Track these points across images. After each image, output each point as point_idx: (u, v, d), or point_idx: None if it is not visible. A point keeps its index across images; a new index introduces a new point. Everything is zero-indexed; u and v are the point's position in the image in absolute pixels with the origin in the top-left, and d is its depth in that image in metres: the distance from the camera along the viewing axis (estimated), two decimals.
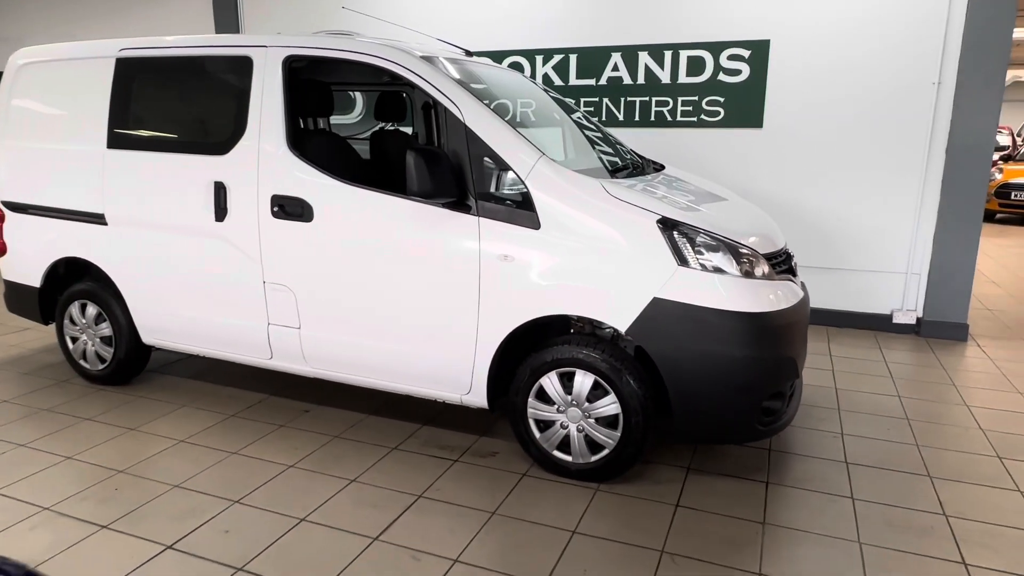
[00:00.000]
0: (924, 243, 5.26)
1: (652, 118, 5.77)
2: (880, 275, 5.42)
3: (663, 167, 3.91)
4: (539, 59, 6.04)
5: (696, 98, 5.62)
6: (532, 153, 2.94)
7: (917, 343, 5.18)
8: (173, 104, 3.71)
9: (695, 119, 5.65)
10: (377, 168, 4.20)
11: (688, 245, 2.78)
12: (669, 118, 5.72)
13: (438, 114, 3.10)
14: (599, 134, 3.99)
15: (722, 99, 5.54)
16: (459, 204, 3.00)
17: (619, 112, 5.86)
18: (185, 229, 3.62)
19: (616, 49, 5.77)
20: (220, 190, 3.48)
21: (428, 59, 3.22)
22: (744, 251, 2.85)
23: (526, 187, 2.91)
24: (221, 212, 3.49)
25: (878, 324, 5.48)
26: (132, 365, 4.14)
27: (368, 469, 3.16)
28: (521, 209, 2.92)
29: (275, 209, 3.36)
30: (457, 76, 3.22)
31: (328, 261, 3.30)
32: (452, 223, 3.02)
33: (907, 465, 3.23)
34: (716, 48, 5.49)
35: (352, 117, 6.66)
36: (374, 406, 3.86)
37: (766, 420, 2.91)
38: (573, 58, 5.92)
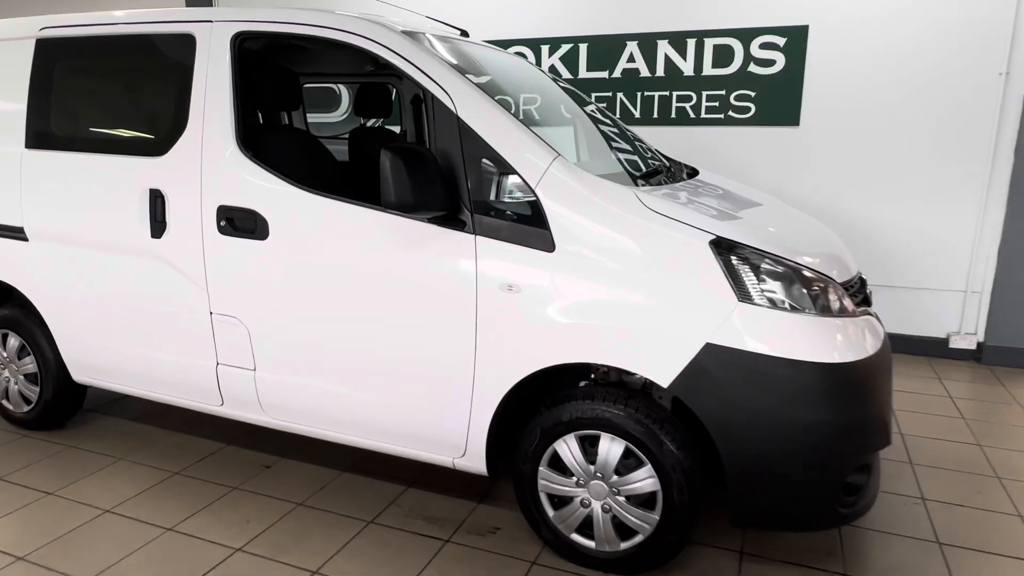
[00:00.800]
0: (987, 257, 4.59)
1: (673, 115, 5.11)
2: (935, 293, 4.76)
3: (696, 172, 3.24)
4: (545, 49, 5.38)
5: (723, 92, 4.96)
6: (544, 154, 2.27)
7: (979, 372, 4.51)
8: (103, 94, 3.05)
9: (722, 116, 4.99)
10: (354, 173, 3.54)
11: (751, 273, 2.12)
12: (692, 115, 5.06)
13: (426, 105, 2.42)
14: (617, 131, 3.32)
15: (753, 93, 4.88)
16: (450, 219, 2.33)
17: (635, 108, 5.20)
18: (117, 247, 2.96)
19: (632, 37, 5.11)
20: (156, 199, 2.82)
21: (412, 35, 2.56)
22: (820, 280, 2.19)
23: (536, 197, 2.25)
24: (158, 226, 2.83)
25: (932, 349, 4.81)
26: (63, 406, 3.47)
27: (335, 555, 2.49)
28: (530, 225, 2.26)
29: (222, 223, 2.70)
30: (449, 59, 2.56)
31: (287, 289, 2.64)
32: (441, 243, 2.36)
33: (1018, 547, 2.56)
34: (746, 35, 4.83)
35: (337, 115, 6.00)
36: (349, 460, 3.19)
37: (848, 500, 2.24)
38: (583, 48, 5.26)
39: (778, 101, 4.84)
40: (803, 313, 2.11)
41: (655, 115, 5.16)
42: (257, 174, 2.64)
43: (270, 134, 2.99)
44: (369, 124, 4.51)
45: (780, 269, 2.14)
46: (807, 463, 2.11)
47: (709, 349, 2.09)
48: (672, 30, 5.00)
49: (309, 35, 2.57)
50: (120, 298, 3.02)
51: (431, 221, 2.34)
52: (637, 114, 5.20)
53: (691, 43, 4.98)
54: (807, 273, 2.18)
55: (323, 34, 2.54)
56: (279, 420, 2.86)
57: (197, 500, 2.86)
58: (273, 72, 2.99)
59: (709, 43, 4.93)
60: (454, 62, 2.52)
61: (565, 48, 5.31)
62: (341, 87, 5.79)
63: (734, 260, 2.12)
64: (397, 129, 4.38)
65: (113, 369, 3.18)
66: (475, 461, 2.51)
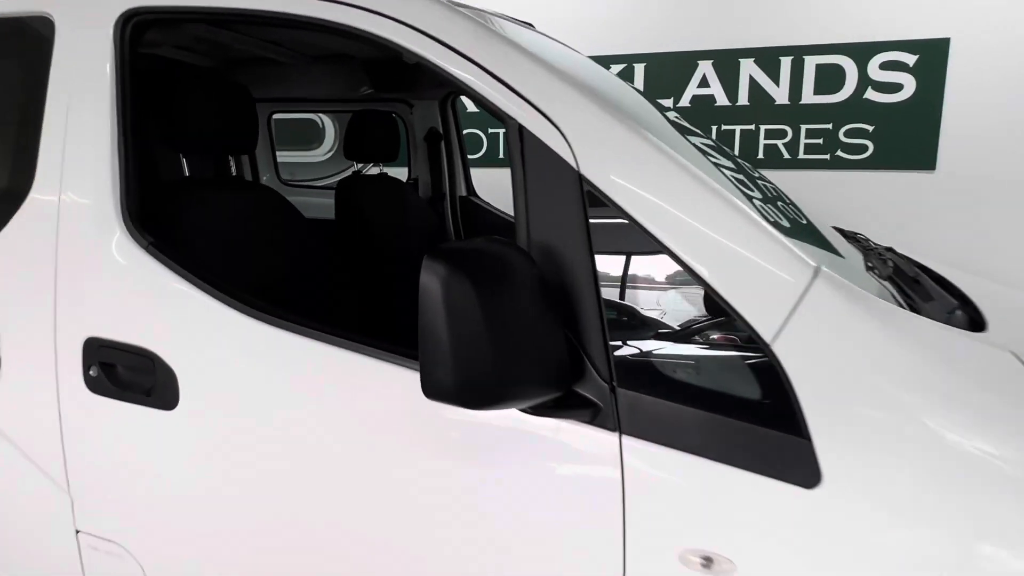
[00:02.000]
0: None
1: (760, 155, 3.98)
2: None
3: (921, 266, 1.89)
4: None
5: (829, 126, 3.84)
6: (792, 263, 1.01)
7: None
8: None
9: (827, 156, 3.87)
10: (345, 261, 2.27)
11: None
12: (787, 155, 3.92)
13: (515, 145, 1.12)
14: (753, 183, 1.95)
15: (871, 128, 3.78)
16: (568, 402, 1.05)
17: None
18: None
19: (705, 55, 3.97)
20: None
21: (461, 9, 1.31)
22: None
23: (775, 360, 0.97)
24: None
25: None
26: None
27: None
28: (758, 423, 0.99)
29: (92, 372, 1.40)
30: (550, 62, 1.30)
31: (213, 502, 1.34)
32: (545, 450, 1.08)
33: None
34: (862, 52, 3.72)
35: (319, 153, 4.73)
36: None
37: None
38: (640, 68, 4.13)
39: (906, 138, 3.71)
40: None
41: (736, 154, 3.97)
42: (161, 277, 1.35)
43: (192, 199, 1.70)
44: (365, 170, 3.26)
45: None
46: None
47: None
48: (759, 45, 3.88)
49: (260, 12, 1.30)
50: None
51: (530, 411, 1.06)
52: None
53: (785, 62, 3.84)
54: None
55: (289, 8, 1.28)
56: None
57: None
58: (202, 82, 1.72)
59: (810, 62, 3.81)
60: (562, 69, 1.26)
61: (616, 69, 4.14)
62: (324, 116, 4.54)
63: None
64: (404, 175, 3.13)
65: None
66: None
